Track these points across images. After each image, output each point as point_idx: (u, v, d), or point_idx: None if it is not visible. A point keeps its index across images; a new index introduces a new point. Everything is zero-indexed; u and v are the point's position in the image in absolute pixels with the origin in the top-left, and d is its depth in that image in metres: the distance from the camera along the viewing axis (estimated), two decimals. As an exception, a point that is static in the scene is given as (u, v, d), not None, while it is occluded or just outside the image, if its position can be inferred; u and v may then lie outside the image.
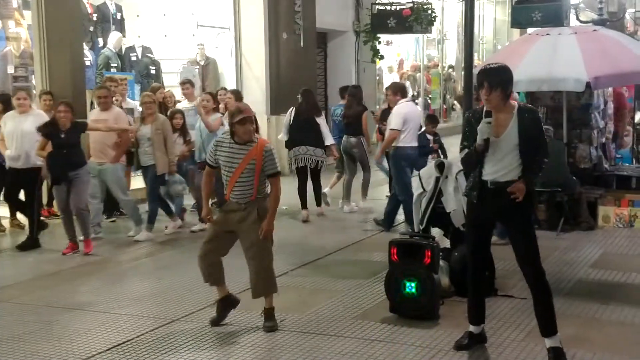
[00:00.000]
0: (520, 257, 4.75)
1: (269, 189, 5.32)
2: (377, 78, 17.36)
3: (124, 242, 8.24)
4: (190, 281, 6.65)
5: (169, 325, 5.52)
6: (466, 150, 4.74)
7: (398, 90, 8.68)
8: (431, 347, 5.00)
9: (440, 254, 5.78)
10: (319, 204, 9.55)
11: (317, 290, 6.37)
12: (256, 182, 5.23)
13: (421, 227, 6.19)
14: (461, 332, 5.07)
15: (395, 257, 5.64)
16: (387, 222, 8.62)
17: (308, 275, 6.83)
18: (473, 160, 4.71)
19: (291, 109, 9.63)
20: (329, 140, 9.37)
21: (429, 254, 5.50)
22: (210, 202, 6.03)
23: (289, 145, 9.41)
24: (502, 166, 4.63)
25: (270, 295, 5.37)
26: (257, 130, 5.43)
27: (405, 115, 8.30)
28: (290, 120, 9.47)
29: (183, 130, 8.91)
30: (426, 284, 5.47)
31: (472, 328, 4.98)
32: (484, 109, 4.65)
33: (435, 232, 6.31)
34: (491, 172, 4.66)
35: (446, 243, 6.30)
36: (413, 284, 5.48)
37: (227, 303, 5.49)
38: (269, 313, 5.38)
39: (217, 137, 5.86)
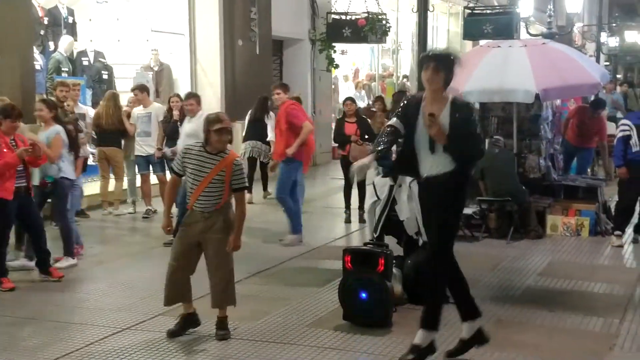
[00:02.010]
0: (430, 238, 4.76)
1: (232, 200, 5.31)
2: (333, 87, 17.43)
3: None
4: (141, 289, 6.58)
5: (119, 334, 5.44)
6: (397, 125, 4.73)
7: (200, 101, 8.71)
8: (384, 355, 5.04)
9: (394, 261, 5.84)
10: (265, 188, 11.44)
11: (270, 299, 6.36)
12: (226, 193, 5.19)
13: (375, 235, 6.24)
14: (414, 338, 5.13)
15: (349, 264, 5.67)
16: None
17: (262, 284, 6.82)
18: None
19: (250, 110, 11.29)
20: (271, 136, 10.76)
21: (383, 261, 5.55)
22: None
23: (245, 139, 11.17)
24: (437, 161, 4.60)
25: (223, 307, 5.35)
26: (230, 142, 5.37)
27: None
28: (249, 120, 11.27)
29: (74, 143, 7.46)
30: (379, 291, 5.51)
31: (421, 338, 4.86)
32: (422, 100, 4.66)
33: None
34: (426, 168, 4.65)
35: (399, 251, 6.36)
36: (366, 292, 5.51)
37: (190, 321, 5.40)
38: (222, 322, 5.35)
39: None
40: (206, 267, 5.31)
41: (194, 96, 8.60)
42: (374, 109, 11.61)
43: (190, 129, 8.34)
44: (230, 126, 5.27)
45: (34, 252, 6.89)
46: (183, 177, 5.35)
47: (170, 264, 5.32)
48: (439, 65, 4.57)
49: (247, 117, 11.29)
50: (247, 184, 5.36)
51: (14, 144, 6.61)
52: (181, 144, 8.46)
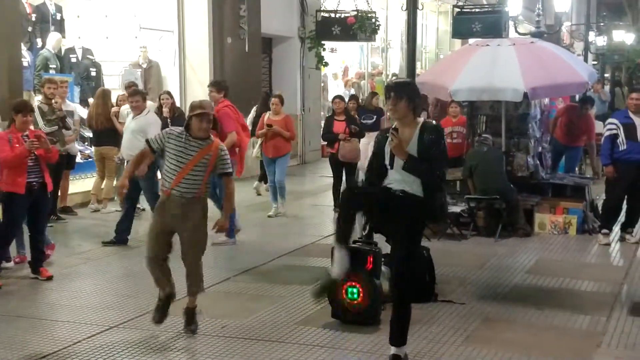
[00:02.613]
0: (395, 262, 4.67)
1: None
2: (322, 85, 17.44)
3: (59, 248, 8.02)
4: (129, 287, 6.56)
5: (107, 332, 5.43)
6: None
7: (146, 98, 8.44)
8: (372, 352, 5.04)
9: (382, 259, 5.84)
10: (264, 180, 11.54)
11: (259, 296, 6.36)
12: (205, 179, 5.24)
13: (364, 233, 6.24)
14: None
15: (338, 262, 5.67)
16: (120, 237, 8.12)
17: (250, 281, 6.81)
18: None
19: (255, 106, 11.56)
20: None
21: (371, 259, 5.56)
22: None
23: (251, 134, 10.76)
24: (407, 183, 4.55)
25: (197, 294, 5.37)
26: (215, 128, 5.40)
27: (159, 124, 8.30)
28: (254, 115, 11.25)
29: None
30: (368, 289, 5.52)
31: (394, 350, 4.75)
32: (392, 127, 4.66)
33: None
34: (398, 184, 4.59)
35: (388, 249, 6.36)
36: (355, 290, 5.52)
37: (170, 301, 5.35)
38: (192, 313, 5.36)
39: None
40: (182, 253, 5.30)
41: (139, 93, 8.39)
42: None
43: (137, 126, 8.08)
44: (211, 114, 5.28)
45: (31, 250, 6.84)
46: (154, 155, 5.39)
47: (149, 248, 5.29)
48: (399, 94, 4.57)
49: (253, 113, 11.43)
50: (232, 170, 5.42)
51: (26, 140, 6.60)
52: (126, 141, 8.19)
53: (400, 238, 4.63)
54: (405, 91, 4.61)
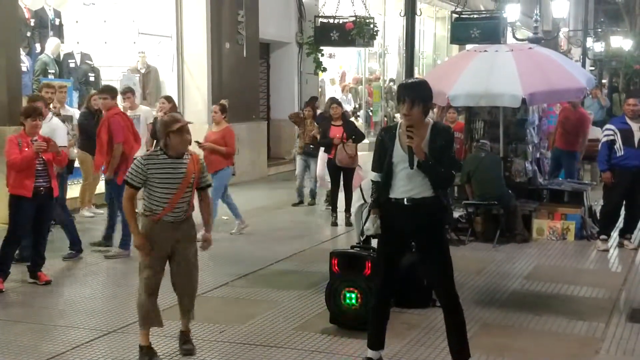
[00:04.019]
0: (434, 278, 4.64)
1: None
2: (320, 90, 17.47)
3: (57, 252, 8.01)
4: (127, 292, 6.54)
5: (106, 337, 5.42)
6: (378, 178, 4.58)
7: (46, 105, 7.88)
8: (370, 358, 5.03)
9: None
10: None
11: (257, 301, 6.36)
12: (192, 197, 5.04)
13: (362, 239, 6.24)
14: (400, 342, 5.13)
15: (336, 268, 5.68)
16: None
17: (248, 286, 6.81)
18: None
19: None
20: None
21: (369, 265, 5.56)
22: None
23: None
24: (416, 184, 4.46)
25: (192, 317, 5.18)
26: (190, 142, 5.08)
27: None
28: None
29: None
30: (366, 294, 5.52)
31: (370, 353, 4.74)
32: (398, 127, 4.55)
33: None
34: (405, 190, 4.48)
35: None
36: (353, 295, 5.52)
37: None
38: (188, 335, 5.16)
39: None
40: (176, 277, 5.01)
41: (39, 99, 7.77)
42: (302, 115, 11.33)
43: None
44: (187, 124, 4.94)
45: (33, 255, 6.84)
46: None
47: (145, 284, 4.91)
48: (415, 100, 4.42)
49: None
50: (210, 182, 5.25)
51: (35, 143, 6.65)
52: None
53: (431, 255, 4.53)
54: (420, 95, 4.44)
